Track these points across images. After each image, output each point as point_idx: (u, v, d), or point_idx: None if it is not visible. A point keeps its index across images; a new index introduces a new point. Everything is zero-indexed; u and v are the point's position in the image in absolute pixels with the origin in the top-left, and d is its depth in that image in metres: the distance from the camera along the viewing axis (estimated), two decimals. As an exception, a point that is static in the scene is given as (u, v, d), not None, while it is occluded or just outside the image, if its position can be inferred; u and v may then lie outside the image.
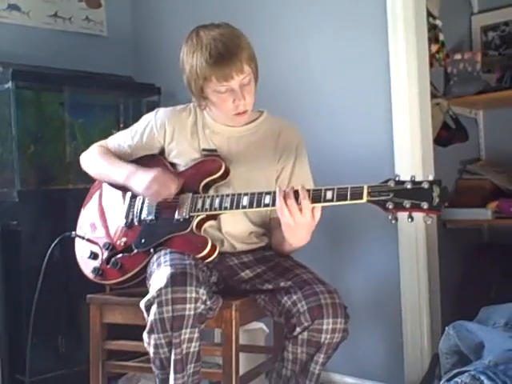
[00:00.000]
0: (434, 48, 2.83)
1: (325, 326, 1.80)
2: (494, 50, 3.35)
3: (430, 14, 2.75)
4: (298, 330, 1.83)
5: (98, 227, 2.15)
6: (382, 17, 2.47)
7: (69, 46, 3.26)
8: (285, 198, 1.73)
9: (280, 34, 2.83)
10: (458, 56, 3.07)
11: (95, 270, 2.05)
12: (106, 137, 2.28)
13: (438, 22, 2.81)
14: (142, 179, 1.98)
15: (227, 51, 1.88)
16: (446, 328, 1.91)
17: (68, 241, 2.18)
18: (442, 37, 2.88)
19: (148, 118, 2.14)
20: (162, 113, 2.13)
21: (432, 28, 2.77)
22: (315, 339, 1.82)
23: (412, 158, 2.42)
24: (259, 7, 2.92)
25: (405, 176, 1.64)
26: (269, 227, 2.09)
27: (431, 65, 2.76)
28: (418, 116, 2.43)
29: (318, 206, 1.73)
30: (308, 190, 1.73)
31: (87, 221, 2.20)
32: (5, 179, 2.80)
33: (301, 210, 1.71)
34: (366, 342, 2.61)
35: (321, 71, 2.71)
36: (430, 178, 1.61)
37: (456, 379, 1.61)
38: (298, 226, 1.76)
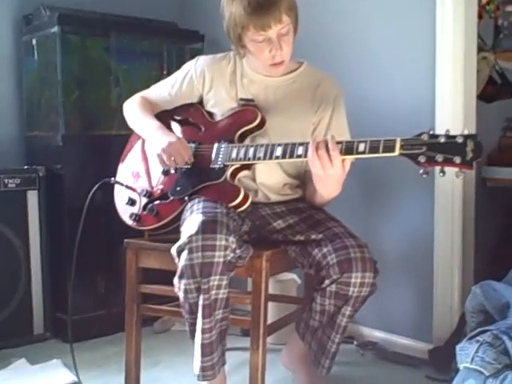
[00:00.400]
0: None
1: (353, 280, 1.82)
2: (548, 2, 3.21)
3: (481, -35, 2.65)
4: (327, 282, 1.86)
5: (136, 175, 2.19)
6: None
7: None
8: (317, 148, 1.73)
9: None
10: (509, 8, 2.95)
11: (132, 216, 2.10)
12: (149, 83, 2.31)
13: (490, -26, 2.72)
14: (158, 141, 1.99)
15: (266, 0, 1.85)
16: (473, 287, 1.91)
17: (110, 186, 2.23)
18: (493, -12, 2.78)
19: (188, 66, 2.15)
20: (202, 60, 2.14)
21: (483, -21, 2.68)
22: (343, 292, 1.85)
23: (453, 113, 2.37)
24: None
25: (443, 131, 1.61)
26: (303, 179, 2.10)
27: (480, 17, 2.67)
28: (462, 70, 2.37)
29: (350, 157, 1.72)
30: (340, 142, 1.72)
31: (126, 168, 2.24)
32: (50, 123, 2.86)
33: (331, 161, 1.71)
34: (396, 298, 2.62)
35: (366, 21, 2.65)
36: (465, 132, 1.58)
37: (478, 338, 1.61)
38: (328, 178, 1.76)
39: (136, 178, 2.18)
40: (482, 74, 2.68)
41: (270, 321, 2.10)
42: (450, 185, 2.41)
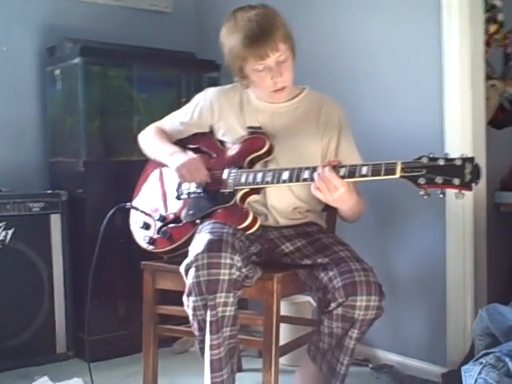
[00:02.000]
0: (493, 28, 2.77)
1: (358, 303, 1.87)
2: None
3: (489, -6, 2.71)
4: (333, 305, 1.91)
5: (151, 200, 2.28)
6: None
7: (135, 22, 3.40)
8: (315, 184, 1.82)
9: (338, 12, 2.86)
10: (517, 37, 3.00)
11: (147, 239, 2.18)
12: (168, 111, 2.41)
13: (498, 2, 2.75)
14: (177, 159, 2.10)
15: (261, 31, 1.96)
16: (480, 310, 1.94)
17: (128, 210, 2.32)
18: (501, 17, 2.81)
19: (198, 98, 2.26)
20: (211, 92, 2.24)
21: (491, 8, 2.72)
22: (349, 315, 1.89)
23: (462, 139, 2.42)
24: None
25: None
26: (314, 203, 2.16)
27: (489, 45, 2.73)
28: (470, 97, 2.42)
29: (353, 180, 1.80)
30: (344, 166, 1.80)
31: (142, 194, 2.34)
32: (72, 149, 2.96)
33: (329, 189, 1.79)
34: (410, 321, 2.65)
35: (375, 49, 2.72)
36: (464, 155, 1.64)
37: (481, 359, 1.65)
38: (336, 201, 1.84)
39: (151, 203, 2.27)
40: (491, 102, 2.72)
41: (283, 342, 2.16)
42: (461, 209, 2.45)
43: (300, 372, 2.25)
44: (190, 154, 2.14)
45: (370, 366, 2.72)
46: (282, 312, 2.63)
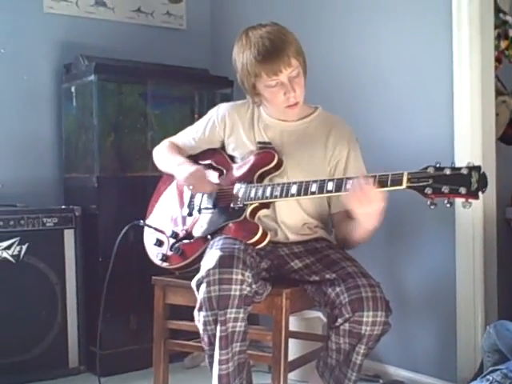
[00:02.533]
0: (504, 44, 2.78)
1: (365, 319, 1.87)
2: None
3: (500, 10, 2.71)
4: (340, 320, 1.91)
5: (164, 216, 2.31)
6: (447, 12, 2.48)
7: (150, 39, 3.45)
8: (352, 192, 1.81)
9: (347, 27, 2.90)
10: (528, 53, 3.00)
11: (159, 256, 2.21)
12: (181, 127, 2.44)
13: (509, 18, 2.76)
14: (184, 170, 2.14)
15: (274, 47, 1.99)
16: (487, 327, 1.94)
17: (141, 226, 2.34)
18: (512, 33, 2.83)
19: (210, 114, 2.29)
20: (223, 107, 2.27)
21: (502, 24, 2.73)
22: (356, 330, 1.90)
23: (472, 154, 2.41)
24: (329, 5, 2.99)
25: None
26: (330, 222, 2.19)
27: (500, 61, 2.73)
28: (480, 111, 2.43)
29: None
30: (351, 178, 1.82)
31: (155, 210, 2.37)
32: (86, 165, 3.01)
33: (367, 197, 1.78)
34: (420, 337, 2.65)
35: (385, 63, 2.75)
36: (470, 164, 1.65)
37: (488, 376, 1.65)
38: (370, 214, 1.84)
39: (163, 219, 2.30)
40: (502, 118, 2.73)
41: (292, 357, 2.16)
42: (471, 225, 2.45)
43: (309, 388, 2.26)
44: (198, 166, 2.18)
45: (381, 381, 2.72)
46: (293, 327, 2.65)
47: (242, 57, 2.07)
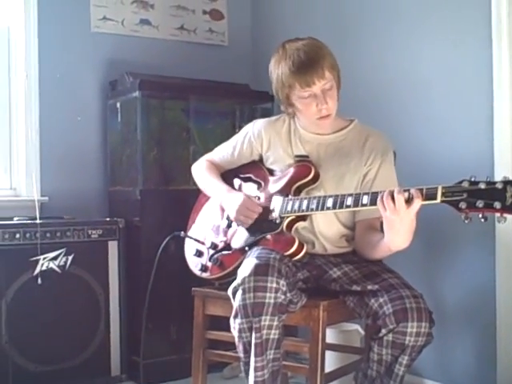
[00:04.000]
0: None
1: (409, 329, 1.87)
2: None
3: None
4: (384, 331, 1.91)
5: (204, 228, 2.36)
6: (486, 25, 2.48)
7: (192, 55, 3.54)
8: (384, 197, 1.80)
9: (387, 41, 2.93)
10: None
11: (198, 266, 2.26)
12: (222, 141, 2.49)
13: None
14: (230, 204, 2.18)
15: (308, 59, 2.04)
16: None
17: (181, 238, 2.39)
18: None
19: (246, 129, 2.34)
20: (258, 124, 2.32)
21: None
22: (399, 341, 1.90)
23: (512, 169, 2.41)
24: (369, 20, 3.02)
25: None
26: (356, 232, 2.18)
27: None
28: (521, 124, 2.42)
29: None
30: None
31: (196, 222, 2.42)
32: (130, 179, 3.09)
33: (395, 206, 1.77)
34: (458, 351, 2.63)
35: (426, 81, 2.76)
36: (506, 178, 1.64)
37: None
38: (401, 224, 1.80)
39: (203, 231, 2.35)
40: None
41: (330, 369, 2.18)
42: (511, 237, 2.43)
43: (346, 400, 2.26)
44: (240, 195, 2.20)
45: (420, 396, 2.71)
46: (331, 340, 2.66)
47: (277, 68, 2.12)
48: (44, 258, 2.80)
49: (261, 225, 2.13)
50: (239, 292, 1.89)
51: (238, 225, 2.19)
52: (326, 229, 2.16)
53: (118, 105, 3.17)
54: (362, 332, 2.78)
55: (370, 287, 2.00)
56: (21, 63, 3.17)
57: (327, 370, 2.15)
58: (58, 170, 3.21)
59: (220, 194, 2.29)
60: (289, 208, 2.09)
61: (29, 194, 3.11)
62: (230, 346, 2.22)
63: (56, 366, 2.81)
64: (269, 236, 2.09)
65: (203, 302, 2.35)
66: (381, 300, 1.94)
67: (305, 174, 2.13)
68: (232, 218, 2.18)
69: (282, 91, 2.14)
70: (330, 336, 2.68)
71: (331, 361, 2.58)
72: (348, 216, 2.16)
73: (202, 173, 2.42)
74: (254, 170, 2.31)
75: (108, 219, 3.04)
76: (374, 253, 2.06)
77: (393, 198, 1.77)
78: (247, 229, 2.16)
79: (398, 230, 1.84)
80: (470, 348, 2.61)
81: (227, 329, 2.18)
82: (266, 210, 2.14)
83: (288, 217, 2.09)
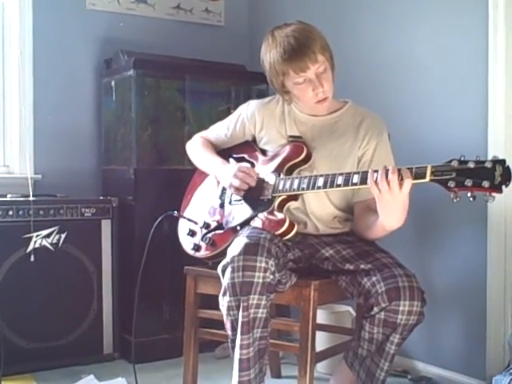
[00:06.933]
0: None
1: (401, 308, 1.90)
2: None
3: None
4: (376, 309, 1.94)
5: (197, 208, 2.38)
6: (483, 9, 2.46)
7: (188, 35, 3.51)
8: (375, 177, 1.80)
9: (383, 24, 2.90)
10: None
11: (191, 245, 2.27)
12: (217, 121, 2.50)
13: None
14: (225, 175, 2.18)
15: (299, 45, 2.03)
16: (514, 322, 1.94)
17: (175, 217, 2.40)
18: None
19: (240, 110, 2.35)
20: (252, 105, 2.32)
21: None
22: (391, 320, 1.92)
23: (507, 152, 2.38)
24: (365, 3, 3.00)
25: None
26: (353, 212, 2.19)
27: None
28: (514, 109, 2.41)
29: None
30: (376, 171, 1.80)
31: (189, 201, 2.43)
32: (124, 157, 3.08)
33: (389, 185, 1.77)
34: (449, 333, 2.65)
35: (420, 61, 2.75)
36: (495, 157, 1.65)
37: (511, 370, 1.66)
38: (393, 202, 1.80)
39: (196, 210, 2.36)
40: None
41: (318, 349, 2.19)
42: (503, 221, 2.43)
43: (335, 379, 2.27)
44: (233, 164, 2.23)
45: (409, 377, 2.72)
46: (322, 321, 2.68)
47: (269, 56, 2.11)
48: (37, 236, 2.81)
49: (252, 204, 2.14)
50: (228, 270, 1.90)
51: (232, 193, 2.18)
52: (318, 209, 2.16)
53: (113, 83, 3.16)
54: (354, 313, 2.80)
55: (362, 266, 2.02)
56: (15, 40, 3.14)
57: (318, 349, 2.18)
58: (52, 148, 3.20)
59: (215, 167, 2.29)
60: (280, 187, 2.09)
61: (22, 171, 3.10)
62: (222, 325, 2.24)
63: (48, 343, 2.83)
64: (260, 215, 2.10)
65: (195, 280, 2.36)
66: (373, 279, 1.96)
67: (297, 154, 2.14)
68: (227, 185, 2.17)
69: (276, 79, 2.14)
70: (322, 317, 2.69)
71: (322, 341, 2.60)
72: (341, 197, 2.16)
73: (197, 149, 2.42)
74: (247, 149, 2.32)
75: (101, 198, 3.04)
76: (370, 233, 2.08)
77: (387, 178, 1.77)
78: (239, 208, 2.17)
79: (391, 209, 1.86)
80: (459, 330, 2.62)
81: (218, 308, 2.22)
82: (259, 190, 2.14)
83: (279, 196, 2.09)
